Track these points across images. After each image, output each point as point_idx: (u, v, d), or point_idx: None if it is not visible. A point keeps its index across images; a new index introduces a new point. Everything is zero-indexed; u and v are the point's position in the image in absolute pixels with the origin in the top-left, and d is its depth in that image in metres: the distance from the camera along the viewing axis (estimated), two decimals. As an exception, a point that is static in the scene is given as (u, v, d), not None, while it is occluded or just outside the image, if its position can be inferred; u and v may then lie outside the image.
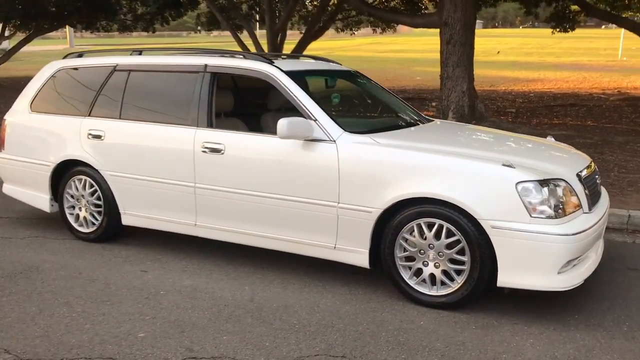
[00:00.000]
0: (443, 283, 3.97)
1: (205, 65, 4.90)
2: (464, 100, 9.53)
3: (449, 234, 3.89)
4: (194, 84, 4.88)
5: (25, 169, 5.67)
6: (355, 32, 19.45)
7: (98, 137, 5.20)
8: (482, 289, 3.89)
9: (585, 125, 11.68)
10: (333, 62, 5.67)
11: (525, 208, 3.69)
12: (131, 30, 23.06)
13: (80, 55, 5.80)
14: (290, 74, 4.65)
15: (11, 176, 5.85)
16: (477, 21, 18.80)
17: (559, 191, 3.80)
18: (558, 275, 3.71)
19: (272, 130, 4.47)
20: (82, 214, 5.40)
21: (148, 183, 4.97)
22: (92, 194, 5.32)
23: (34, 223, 5.99)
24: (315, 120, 4.32)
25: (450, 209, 3.86)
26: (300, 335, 3.63)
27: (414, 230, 4.00)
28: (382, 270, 4.20)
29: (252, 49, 16.57)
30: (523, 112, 13.86)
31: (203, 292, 4.29)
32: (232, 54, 5.11)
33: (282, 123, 4.22)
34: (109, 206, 5.23)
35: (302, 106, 4.43)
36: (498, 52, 25.39)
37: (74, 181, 5.39)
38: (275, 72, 4.63)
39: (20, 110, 5.80)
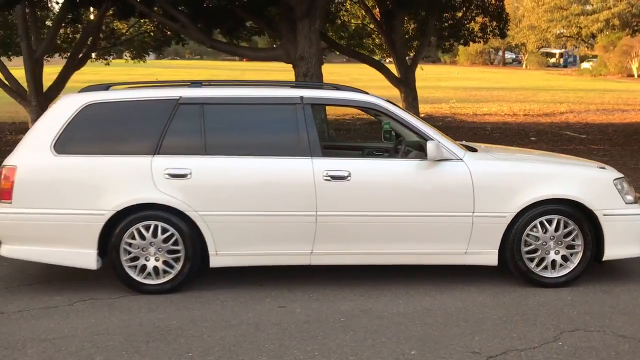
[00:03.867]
0: (561, 265, 4.97)
1: (302, 97, 4.99)
2: (323, 127, 10.50)
3: (565, 225, 4.93)
4: (293, 115, 4.92)
5: (56, 222, 4.76)
6: (110, 62, 18.62)
7: (181, 176, 4.77)
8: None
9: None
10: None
11: (621, 197, 4.96)
12: None
13: (106, 87, 5.11)
14: (391, 103, 5.12)
15: (25, 234, 4.81)
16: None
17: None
18: (643, 245, 5.07)
19: (390, 154, 4.89)
20: (152, 263, 4.82)
21: (255, 218, 4.79)
22: (167, 239, 4.81)
23: (50, 287, 5.00)
24: (438, 142, 4.90)
25: (568, 205, 4.90)
26: (518, 325, 4.23)
27: (536, 227, 4.92)
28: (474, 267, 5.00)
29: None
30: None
31: (377, 312, 4.47)
32: (317, 86, 5.28)
33: (432, 146, 4.73)
34: (193, 250, 4.82)
35: (420, 131, 4.96)
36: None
37: (138, 229, 4.79)
38: (382, 103, 5.06)
39: (35, 153, 4.83)
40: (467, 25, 19.15)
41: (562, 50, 70.99)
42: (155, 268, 4.83)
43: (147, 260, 4.83)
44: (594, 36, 61.68)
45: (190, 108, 4.93)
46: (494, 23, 19.03)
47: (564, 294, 4.83)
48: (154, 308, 4.59)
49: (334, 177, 4.81)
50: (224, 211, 4.79)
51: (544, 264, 4.96)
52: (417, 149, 5.13)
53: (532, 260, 4.96)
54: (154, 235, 4.80)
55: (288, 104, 4.98)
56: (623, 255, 5.03)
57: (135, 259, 4.83)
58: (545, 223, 4.91)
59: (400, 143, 5.39)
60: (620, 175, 5.12)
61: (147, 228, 4.80)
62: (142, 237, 4.80)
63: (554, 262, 4.97)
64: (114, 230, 4.79)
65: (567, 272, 4.97)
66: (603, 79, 50.64)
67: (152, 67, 44.79)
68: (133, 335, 4.09)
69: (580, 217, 4.91)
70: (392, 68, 18.08)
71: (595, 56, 60.33)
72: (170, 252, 4.83)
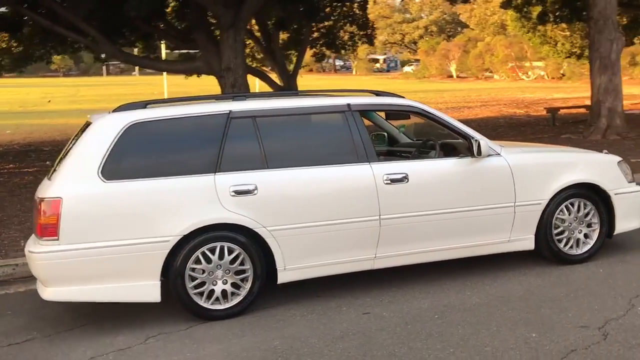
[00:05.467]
0: (583, 243, 5.52)
1: (349, 105, 5.02)
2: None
3: (584, 206, 5.49)
4: (344, 122, 4.95)
5: (113, 255, 4.33)
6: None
7: (248, 192, 4.57)
8: (601, 242, 5.62)
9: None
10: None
11: (624, 177, 5.64)
12: None
13: (144, 105, 4.74)
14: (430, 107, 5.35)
15: (77, 272, 4.32)
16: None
17: (621, 166, 5.88)
18: (641, 219, 5.79)
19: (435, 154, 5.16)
20: (220, 287, 4.56)
21: (322, 228, 4.74)
22: (234, 260, 4.59)
23: (99, 329, 4.52)
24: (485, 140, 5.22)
25: (586, 189, 5.47)
26: (588, 298, 4.66)
27: (562, 210, 5.42)
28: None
29: None
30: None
31: (459, 305, 4.65)
32: (352, 92, 5.32)
33: (484, 144, 5.03)
34: (261, 267, 4.65)
35: (461, 131, 5.23)
36: (49, 100, 24.97)
37: (204, 252, 4.51)
38: (424, 106, 5.29)
39: (80, 182, 4.35)
40: (338, 34, 19.91)
41: (385, 55, 75.97)
42: (224, 291, 4.58)
43: (215, 285, 4.56)
44: (415, 42, 67.17)
45: (243, 122, 4.76)
46: (361, 32, 20.02)
47: (594, 267, 5.38)
48: (238, 333, 4.36)
49: (393, 180, 4.91)
50: (292, 224, 4.69)
51: (570, 244, 5.48)
52: (441, 148, 5.42)
53: (560, 241, 5.45)
54: (221, 257, 4.56)
55: (337, 112, 5.00)
56: (628, 228, 5.70)
57: (201, 284, 4.55)
58: (570, 206, 5.44)
59: (426, 144, 5.62)
60: (620, 158, 5.81)
61: (212, 250, 4.54)
62: (208, 260, 4.54)
63: (577, 240, 5.50)
64: (177, 257, 4.48)
65: (588, 248, 5.52)
66: (427, 80, 55.00)
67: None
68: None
69: (596, 198, 5.50)
70: (273, 77, 18.26)
71: (416, 60, 65.38)
72: (237, 272, 4.62)
